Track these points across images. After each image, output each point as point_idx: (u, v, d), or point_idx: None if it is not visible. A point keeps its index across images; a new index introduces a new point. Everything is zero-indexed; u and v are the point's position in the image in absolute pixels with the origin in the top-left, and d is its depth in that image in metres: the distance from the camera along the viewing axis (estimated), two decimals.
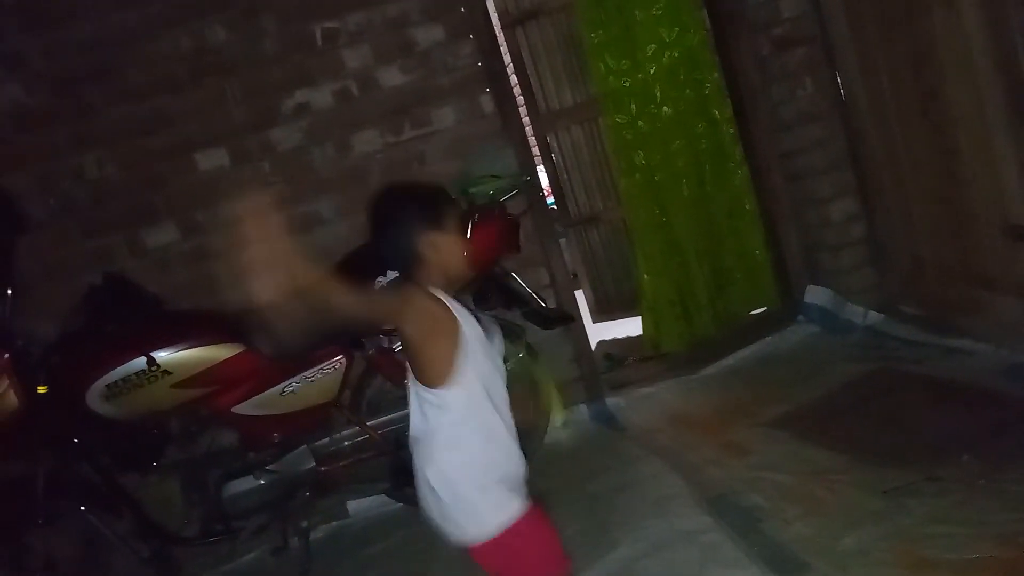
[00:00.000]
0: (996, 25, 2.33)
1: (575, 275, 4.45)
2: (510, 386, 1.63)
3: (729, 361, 3.45)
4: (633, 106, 3.40)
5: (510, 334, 2.48)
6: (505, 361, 1.67)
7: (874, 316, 3.31)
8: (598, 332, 4.41)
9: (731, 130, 3.54)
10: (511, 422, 1.60)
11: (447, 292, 1.56)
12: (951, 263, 2.93)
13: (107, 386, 2.40)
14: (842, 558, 1.99)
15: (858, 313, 3.35)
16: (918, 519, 2.03)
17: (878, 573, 1.89)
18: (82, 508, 2.58)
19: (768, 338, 3.52)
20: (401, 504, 3.00)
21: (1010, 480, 2.05)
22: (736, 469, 2.56)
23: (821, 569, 1.97)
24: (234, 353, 2.49)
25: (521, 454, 1.62)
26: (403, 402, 2.74)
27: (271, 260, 1.31)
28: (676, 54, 3.40)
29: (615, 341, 4.23)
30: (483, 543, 1.54)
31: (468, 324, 1.53)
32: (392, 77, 3.18)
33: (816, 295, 3.53)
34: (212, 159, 3.12)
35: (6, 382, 2.38)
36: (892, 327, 3.21)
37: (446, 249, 1.57)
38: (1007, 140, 2.43)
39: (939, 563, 1.85)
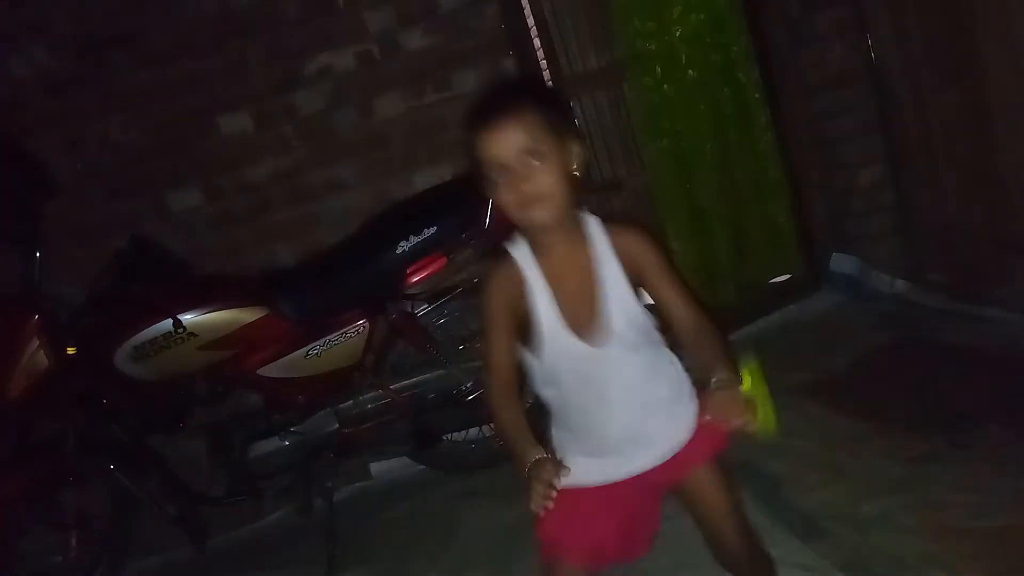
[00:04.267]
0: None
1: None
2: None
3: (753, 329, 3.43)
4: (659, 69, 3.34)
5: None
6: None
7: (901, 284, 3.26)
8: None
9: (757, 94, 3.47)
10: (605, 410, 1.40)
11: (552, 238, 1.36)
12: (980, 231, 2.87)
13: (135, 347, 2.43)
14: (864, 525, 1.99)
15: (884, 281, 3.31)
16: (942, 487, 2.03)
17: (900, 540, 1.89)
18: (111, 467, 2.64)
19: (792, 306, 3.48)
20: (423, 466, 3.04)
21: None
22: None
23: (843, 535, 1.98)
24: (259, 316, 2.51)
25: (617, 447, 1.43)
26: (425, 367, 2.79)
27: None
28: (702, 16, 3.33)
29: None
30: None
31: (540, 291, 1.36)
32: (414, 40, 3.14)
33: (842, 263, 3.48)
34: (235, 123, 3.11)
35: (36, 343, 2.43)
36: (919, 295, 3.17)
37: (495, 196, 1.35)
38: None
39: (963, 531, 1.85)
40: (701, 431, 1.45)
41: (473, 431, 2.97)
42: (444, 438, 2.90)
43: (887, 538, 1.92)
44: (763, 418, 1.30)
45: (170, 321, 2.42)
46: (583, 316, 1.36)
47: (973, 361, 2.61)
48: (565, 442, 1.47)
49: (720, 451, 1.46)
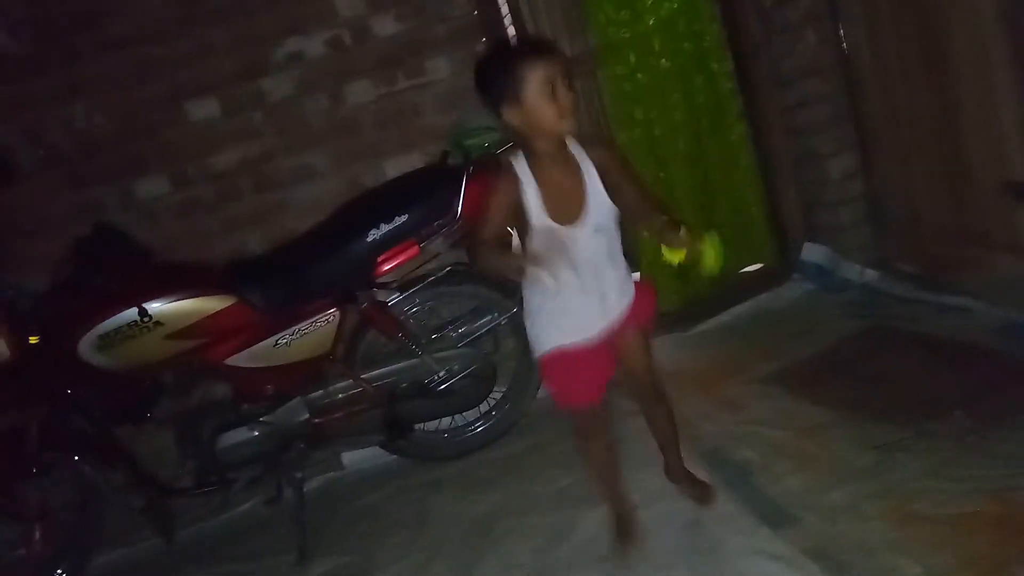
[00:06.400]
0: None
1: None
2: None
3: (724, 318, 3.44)
4: (632, 58, 3.34)
5: None
6: None
7: (870, 274, 3.29)
8: None
9: (730, 84, 3.48)
10: (591, 281, 1.85)
11: (552, 150, 1.80)
12: (949, 221, 2.91)
13: (99, 337, 2.39)
14: (832, 512, 2.01)
15: (854, 271, 3.34)
16: (908, 475, 2.05)
17: (868, 528, 1.91)
18: (76, 459, 2.59)
19: (763, 295, 3.50)
20: (395, 456, 3.02)
21: (1000, 437, 2.07)
22: (729, 424, 2.57)
23: (811, 523, 2.00)
24: (226, 305, 2.48)
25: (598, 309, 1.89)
26: (397, 356, 2.77)
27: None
28: (675, 5, 3.33)
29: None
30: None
31: (532, 192, 1.78)
32: (386, 26, 3.10)
33: (812, 252, 3.51)
34: (203, 109, 3.06)
35: None
36: (888, 285, 3.20)
37: (523, 116, 1.75)
38: (1009, 96, 2.40)
39: (928, 518, 1.87)
40: (637, 305, 1.96)
41: (445, 421, 2.97)
42: (416, 428, 2.88)
43: (855, 526, 1.93)
44: (711, 256, 1.78)
45: (135, 310, 2.38)
46: (573, 210, 1.81)
47: (940, 350, 2.64)
48: (552, 314, 1.88)
49: (647, 321, 2.02)
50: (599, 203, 1.84)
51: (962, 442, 2.10)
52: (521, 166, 1.80)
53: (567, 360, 1.90)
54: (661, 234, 1.81)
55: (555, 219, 1.80)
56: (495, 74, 1.77)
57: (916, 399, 2.37)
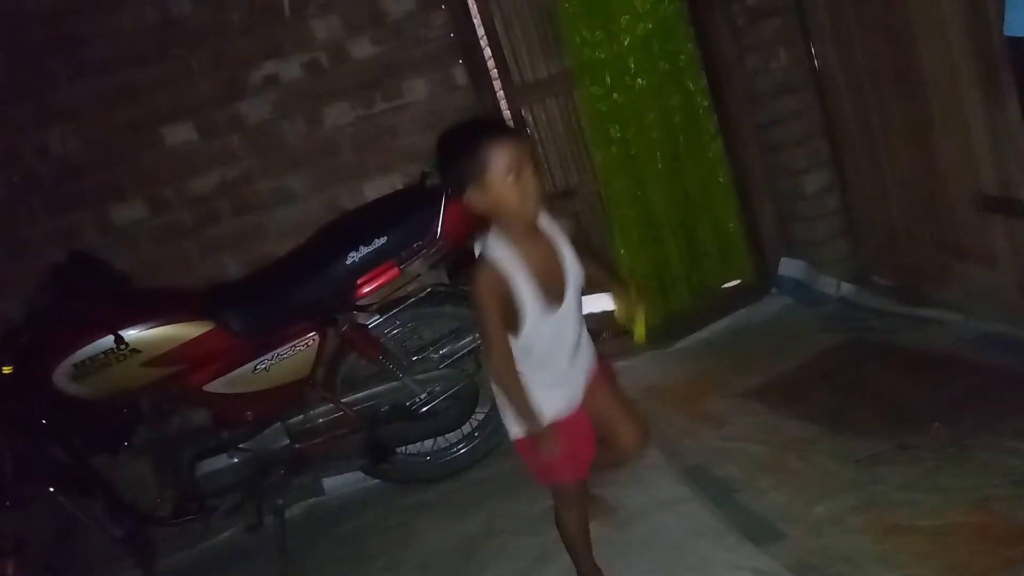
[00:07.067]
0: None
1: None
2: None
3: (703, 334, 3.46)
4: (608, 78, 3.37)
5: None
6: None
7: (847, 287, 3.33)
8: None
9: (705, 102, 3.51)
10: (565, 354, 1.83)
11: (522, 234, 1.72)
12: (923, 233, 2.94)
13: (74, 365, 2.35)
14: (816, 526, 2.01)
15: (831, 284, 3.37)
16: (890, 487, 2.06)
17: (851, 540, 1.92)
18: (52, 490, 2.54)
19: (742, 310, 3.52)
20: (377, 480, 3.00)
21: (980, 447, 2.09)
22: (711, 440, 2.58)
23: (795, 537, 2.00)
24: (204, 331, 2.45)
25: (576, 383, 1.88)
26: (378, 379, 2.75)
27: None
28: (650, 25, 3.36)
29: (590, 316, 4.21)
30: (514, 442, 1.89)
31: (525, 285, 1.70)
32: (363, 48, 3.11)
33: (789, 267, 3.54)
34: (180, 134, 3.05)
35: None
36: (864, 298, 3.23)
37: (487, 199, 1.69)
38: (978, 110, 2.44)
39: (911, 529, 1.88)
40: (600, 367, 1.98)
41: (428, 443, 2.95)
42: (398, 451, 2.86)
43: (839, 539, 1.94)
44: (638, 326, 1.96)
45: (111, 337, 2.35)
46: (555, 288, 1.75)
47: (918, 362, 2.67)
48: (542, 391, 1.79)
49: (610, 370, 2.10)
50: (576, 273, 1.80)
51: (942, 453, 2.12)
52: (503, 256, 1.70)
53: (563, 435, 1.78)
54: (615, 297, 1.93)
55: (547, 300, 1.73)
56: (458, 157, 1.70)
57: (896, 411, 2.39)
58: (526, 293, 1.69)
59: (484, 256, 1.72)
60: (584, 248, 1.87)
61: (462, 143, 1.71)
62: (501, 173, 1.65)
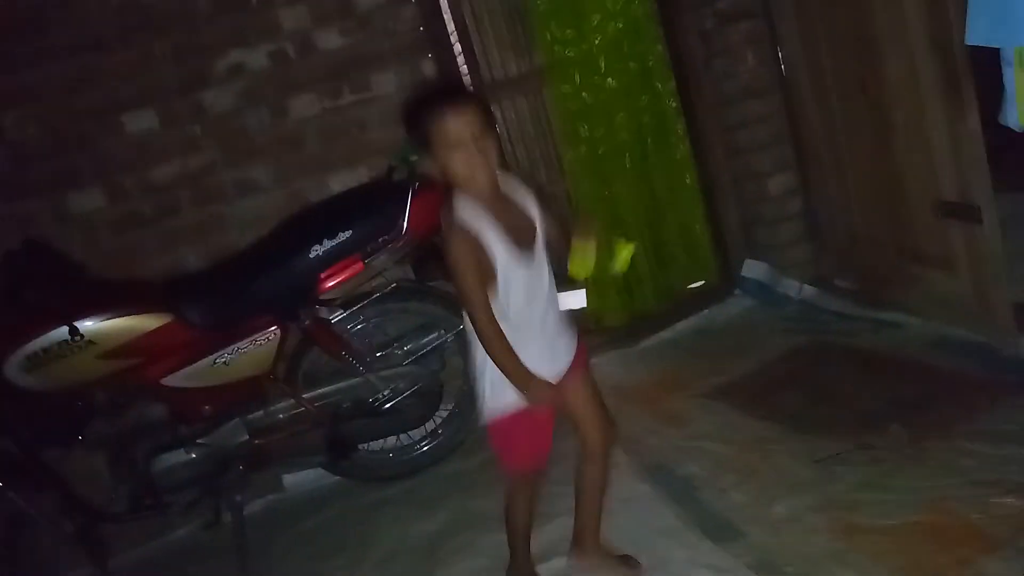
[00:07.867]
0: (932, 3, 2.37)
1: None
2: None
3: (667, 334, 3.48)
4: (578, 77, 3.37)
5: None
6: None
7: (809, 290, 3.37)
8: None
9: (673, 103, 3.53)
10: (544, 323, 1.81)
11: (485, 196, 1.70)
12: (884, 238, 2.99)
13: (27, 357, 2.29)
14: (775, 525, 2.03)
15: (793, 287, 3.41)
16: (849, 486, 2.09)
17: (810, 540, 1.94)
18: (1, 485, 2.47)
19: (706, 311, 3.55)
20: (338, 477, 2.96)
21: (937, 448, 2.12)
22: (673, 439, 2.59)
23: (755, 536, 2.02)
24: (162, 323, 2.40)
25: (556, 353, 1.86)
26: (340, 375, 2.72)
27: None
28: (620, 25, 3.37)
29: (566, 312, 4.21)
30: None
31: (497, 240, 1.68)
32: (330, 40, 3.07)
33: (753, 269, 3.58)
34: (140, 121, 2.98)
35: None
36: (826, 301, 3.28)
37: (439, 168, 1.69)
38: (940, 118, 2.48)
39: (868, 529, 1.91)
40: (579, 350, 1.93)
41: (390, 440, 2.92)
42: (360, 448, 2.83)
43: (798, 538, 1.96)
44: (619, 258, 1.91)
45: (66, 328, 2.29)
46: (524, 238, 1.74)
47: (877, 364, 2.71)
48: (523, 353, 1.75)
49: (587, 365, 1.99)
50: (542, 233, 1.80)
51: (899, 454, 2.15)
52: (470, 215, 1.68)
53: (528, 419, 1.79)
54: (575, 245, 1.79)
55: (518, 249, 1.71)
56: (413, 126, 1.71)
57: (855, 412, 2.43)
58: (496, 242, 1.68)
59: (453, 222, 1.69)
60: (543, 207, 1.86)
61: (412, 114, 1.72)
62: (445, 145, 1.65)
